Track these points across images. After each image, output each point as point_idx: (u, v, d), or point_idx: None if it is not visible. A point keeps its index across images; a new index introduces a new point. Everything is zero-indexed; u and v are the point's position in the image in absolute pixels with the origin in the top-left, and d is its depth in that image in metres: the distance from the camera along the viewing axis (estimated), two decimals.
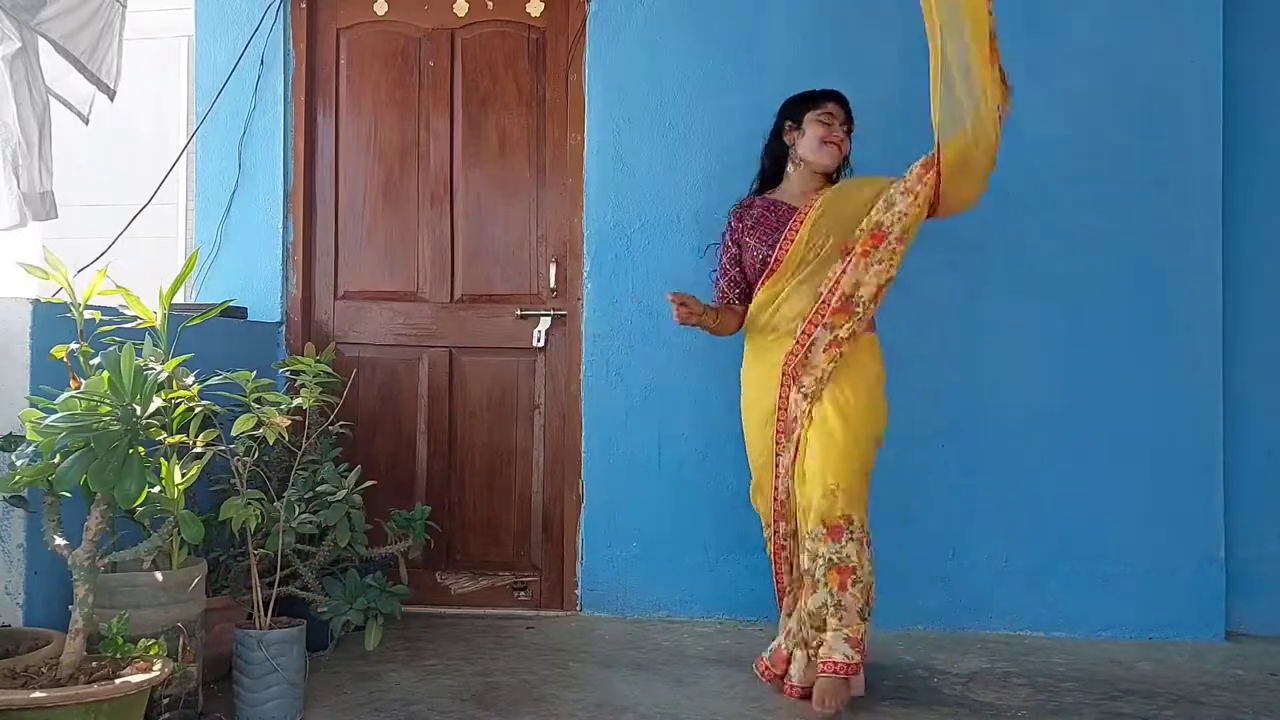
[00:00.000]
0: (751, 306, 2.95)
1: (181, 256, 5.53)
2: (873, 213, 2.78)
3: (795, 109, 2.99)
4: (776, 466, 2.88)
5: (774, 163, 3.04)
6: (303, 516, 2.80)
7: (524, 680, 2.94)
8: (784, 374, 2.84)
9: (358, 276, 3.84)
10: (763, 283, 2.91)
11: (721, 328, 2.99)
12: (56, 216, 3.25)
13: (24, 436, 2.21)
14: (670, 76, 3.65)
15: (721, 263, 3.04)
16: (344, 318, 3.83)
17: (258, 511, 2.53)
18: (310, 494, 2.90)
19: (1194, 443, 3.48)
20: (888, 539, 3.48)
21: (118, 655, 2.17)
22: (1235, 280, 3.54)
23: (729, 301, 3.04)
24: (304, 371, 2.83)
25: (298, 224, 3.80)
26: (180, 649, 2.39)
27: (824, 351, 2.80)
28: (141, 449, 2.16)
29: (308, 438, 2.90)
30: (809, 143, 2.93)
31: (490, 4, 3.81)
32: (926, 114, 2.68)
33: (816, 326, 2.80)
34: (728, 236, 3.03)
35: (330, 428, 3.01)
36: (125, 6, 3.37)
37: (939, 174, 2.70)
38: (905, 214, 2.75)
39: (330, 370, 2.89)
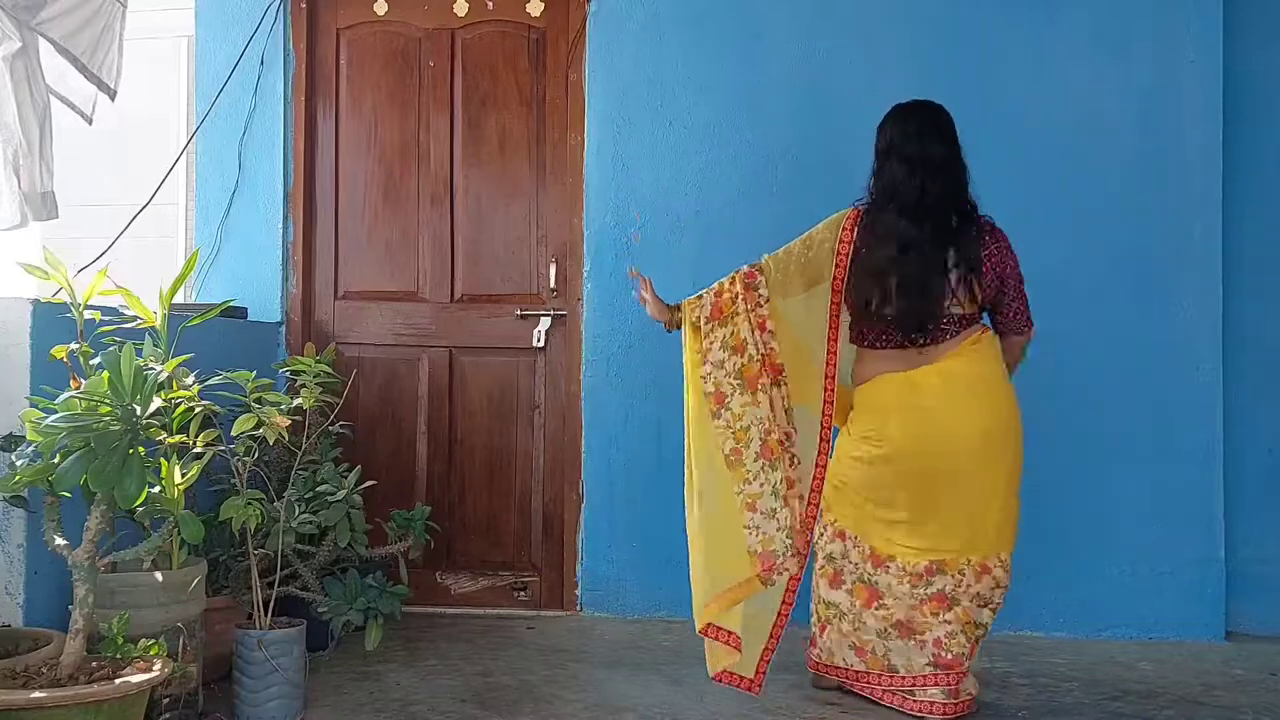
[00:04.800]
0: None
1: (181, 256, 5.52)
2: None
3: None
4: None
5: None
6: (303, 516, 2.80)
7: (524, 680, 2.94)
8: None
9: (358, 276, 3.84)
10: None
11: None
12: (57, 216, 3.24)
13: (24, 436, 2.21)
14: (670, 76, 3.65)
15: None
16: (344, 318, 3.83)
17: (258, 511, 2.53)
18: (310, 494, 2.90)
19: (1194, 443, 3.48)
20: None
21: (118, 655, 2.17)
22: (1235, 280, 3.54)
23: None
24: (304, 371, 2.83)
25: (298, 224, 3.80)
26: (180, 649, 2.39)
27: None
28: (141, 449, 2.16)
29: (308, 438, 2.89)
30: None
31: (490, 4, 3.81)
32: None
33: None
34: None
35: (330, 428, 3.01)
36: (125, 6, 3.37)
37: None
38: None
39: (330, 370, 2.89)
